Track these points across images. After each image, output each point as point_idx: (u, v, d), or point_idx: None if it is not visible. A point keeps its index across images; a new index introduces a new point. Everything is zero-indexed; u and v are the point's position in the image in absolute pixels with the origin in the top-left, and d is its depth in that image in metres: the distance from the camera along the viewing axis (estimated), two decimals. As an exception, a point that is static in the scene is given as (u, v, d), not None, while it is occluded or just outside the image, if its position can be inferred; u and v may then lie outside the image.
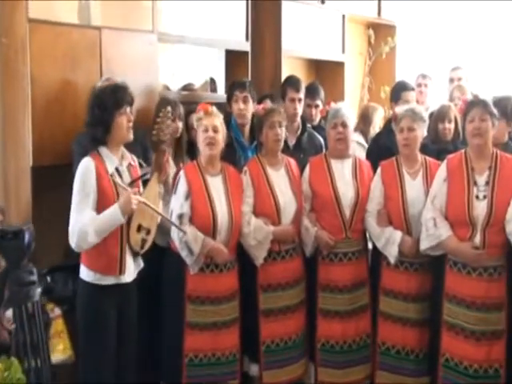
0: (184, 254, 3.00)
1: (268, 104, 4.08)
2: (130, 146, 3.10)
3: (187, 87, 4.36)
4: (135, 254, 2.77)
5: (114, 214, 2.58)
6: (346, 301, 3.29)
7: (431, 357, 3.16)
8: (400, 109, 3.38)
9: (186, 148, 3.55)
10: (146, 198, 2.71)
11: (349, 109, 3.50)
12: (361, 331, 3.32)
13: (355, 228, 3.31)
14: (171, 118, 2.89)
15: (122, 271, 2.68)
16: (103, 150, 2.71)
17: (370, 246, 3.44)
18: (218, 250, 3.04)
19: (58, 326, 2.90)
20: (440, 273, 3.11)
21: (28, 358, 2.39)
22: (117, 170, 2.71)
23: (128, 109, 2.71)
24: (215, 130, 3.10)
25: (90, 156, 2.68)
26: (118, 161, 2.74)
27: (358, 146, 4.26)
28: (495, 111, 3.09)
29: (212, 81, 4.67)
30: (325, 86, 5.19)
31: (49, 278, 3.12)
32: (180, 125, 3.45)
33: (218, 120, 3.14)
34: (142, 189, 2.79)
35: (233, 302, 3.13)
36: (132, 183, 2.75)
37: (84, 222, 2.57)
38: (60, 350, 2.85)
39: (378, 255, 3.32)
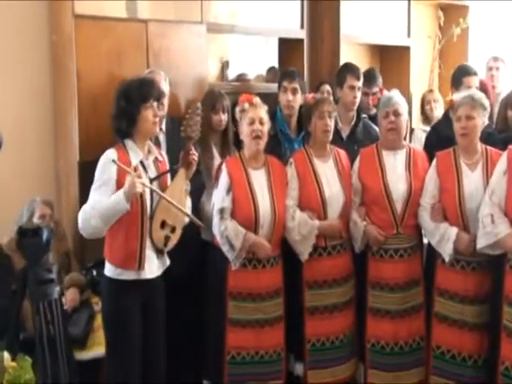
0: (225, 248, 2.93)
1: (325, 90, 3.98)
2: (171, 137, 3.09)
3: (241, 77, 4.28)
4: (159, 252, 2.72)
5: (117, 198, 2.50)
6: (398, 300, 3.10)
7: (491, 364, 2.92)
8: (458, 95, 3.12)
9: (233, 140, 3.48)
10: (170, 194, 2.66)
11: (402, 97, 3.28)
12: (413, 333, 3.13)
13: (407, 223, 3.11)
14: (201, 114, 2.81)
15: (141, 266, 2.63)
16: (128, 143, 2.68)
17: (425, 241, 3.23)
18: (260, 244, 2.95)
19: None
20: (500, 273, 2.86)
21: (45, 357, 2.40)
22: (141, 163, 2.67)
23: (155, 103, 2.67)
24: (261, 122, 3.00)
25: (114, 147, 2.66)
26: (144, 154, 2.70)
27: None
28: None
29: (272, 70, 4.56)
30: (389, 72, 5.03)
31: (94, 272, 3.17)
32: (225, 117, 3.37)
33: (263, 111, 3.04)
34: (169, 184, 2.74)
35: (276, 299, 3.03)
36: (157, 178, 2.71)
37: (89, 204, 2.55)
38: (102, 344, 2.86)
39: (432, 252, 3.11)
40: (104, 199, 2.53)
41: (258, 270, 2.99)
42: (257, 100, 3.04)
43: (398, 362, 3.12)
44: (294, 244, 3.07)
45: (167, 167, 2.80)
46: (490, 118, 3.50)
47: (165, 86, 3.26)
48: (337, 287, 3.12)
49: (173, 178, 2.77)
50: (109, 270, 2.68)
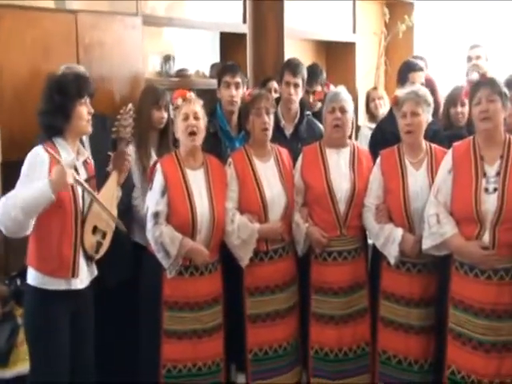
0: (160, 256, 2.76)
1: (272, 87, 3.83)
2: (99, 137, 2.90)
3: (180, 73, 4.10)
4: (89, 259, 2.54)
5: (42, 187, 2.28)
6: (342, 304, 3.00)
7: (437, 368, 2.84)
8: (401, 91, 3.03)
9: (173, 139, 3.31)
10: (101, 198, 2.51)
11: (348, 94, 3.17)
12: (358, 338, 3.03)
13: (351, 224, 3.00)
14: (133, 115, 2.66)
15: (74, 274, 2.45)
16: (59, 141, 2.49)
17: (370, 243, 3.13)
18: (198, 250, 2.78)
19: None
20: (445, 275, 2.78)
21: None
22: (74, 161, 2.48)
23: (88, 100, 2.50)
24: (196, 117, 2.84)
25: (44, 145, 2.45)
26: (75, 155, 2.51)
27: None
28: (506, 91, 2.72)
29: (216, 66, 4.40)
30: (335, 69, 4.98)
31: (19, 281, 2.93)
32: (165, 114, 3.20)
33: (198, 106, 2.88)
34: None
35: (215, 308, 2.88)
36: (88, 181, 2.53)
37: (10, 195, 2.33)
38: (27, 360, 2.64)
39: (377, 254, 3.01)
40: (26, 189, 2.31)
41: (195, 278, 2.82)
42: (191, 95, 2.89)
43: (343, 369, 3.02)
44: (233, 249, 2.92)
45: (94, 171, 2.62)
46: (434, 114, 3.44)
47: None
48: (279, 293, 2.99)
49: (101, 182, 2.59)
50: (34, 279, 2.46)
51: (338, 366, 3.01)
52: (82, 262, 2.49)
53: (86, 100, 2.50)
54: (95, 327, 2.63)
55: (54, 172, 2.30)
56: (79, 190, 2.46)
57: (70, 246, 2.44)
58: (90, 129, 2.55)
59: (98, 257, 2.57)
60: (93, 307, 2.60)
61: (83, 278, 2.52)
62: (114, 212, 2.61)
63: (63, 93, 2.44)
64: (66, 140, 2.49)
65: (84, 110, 2.48)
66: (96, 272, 2.62)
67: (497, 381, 2.64)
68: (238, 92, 3.34)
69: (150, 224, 2.76)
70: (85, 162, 2.57)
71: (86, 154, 2.60)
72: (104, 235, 2.55)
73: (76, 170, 2.48)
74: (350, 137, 3.25)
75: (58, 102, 2.44)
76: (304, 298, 3.06)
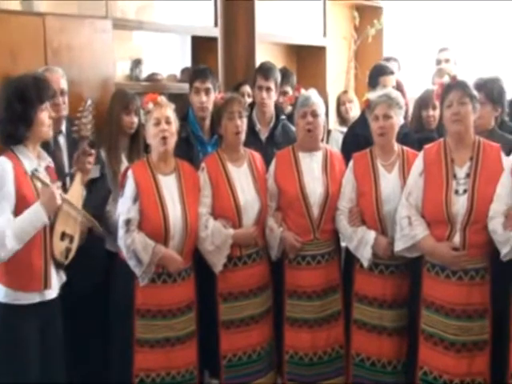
0: (132, 263, 2.71)
1: (245, 91, 3.82)
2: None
3: (151, 77, 4.06)
4: (58, 266, 2.49)
5: (36, 212, 2.29)
6: (316, 308, 3.00)
7: (410, 369, 2.86)
8: (374, 94, 3.05)
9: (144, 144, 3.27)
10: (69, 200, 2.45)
11: (319, 97, 3.18)
12: (332, 341, 3.03)
13: (325, 228, 3.01)
14: (93, 112, 2.60)
15: (47, 285, 2.40)
16: (19, 149, 2.43)
17: (343, 246, 3.14)
18: (171, 257, 2.75)
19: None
20: (417, 277, 2.81)
21: None
22: (36, 171, 2.42)
23: (48, 104, 2.46)
24: (168, 122, 2.81)
25: (5, 156, 2.39)
26: (37, 161, 2.46)
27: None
28: (476, 94, 2.77)
29: (187, 70, 4.37)
30: (306, 72, 4.98)
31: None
32: (135, 119, 3.16)
33: (170, 110, 2.85)
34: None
35: (188, 315, 2.84)
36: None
37: (1, 225, 2.29)
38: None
39: (351, 257, 3.02)
40: (17, 217, 2.30)
41: (168, 285, 2.78)
42: (162, 99, 2.85)
43: (317, 372, 3.02)
44: (206, 255, 2.89)
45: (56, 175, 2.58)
46: (405, 117, 3.47)
47: (64, 85, 3.01)
48: (253, 298, 2.97)
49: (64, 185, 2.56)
50: (5, 296, 2.39)
51: (313, 369, 3.01)
52: (52, 270, 2.45)
53: (47, 105, 2.45)
54: (64, 337, 2.58)
55: (43, 195, 2.30)
56: None
57: (40, 256, 2.39)
58: (51, 134, 2.51)
59: (67, 262, 2.52)
60: (62, 318, 2.54)
61: (54, 286, 2.48)
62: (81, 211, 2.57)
63: (24, 100, 2.38)
64: (26, 147, 2.43)
65: (45, 116, 2.44)
66: (64, 277, 2.57)
67: (468, 380, 2.67)
68: (208, 98, 3.31)
69: (121, 231, 2.72)
70: (47, 167, 2.52)
71: (48, 158, 2.55)
72: (71, 239, 2.51)
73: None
74: (322, 140, 3.27)
75: (18, 110, 2.38)
76: (278, 302, 3.06)
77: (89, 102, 2.64)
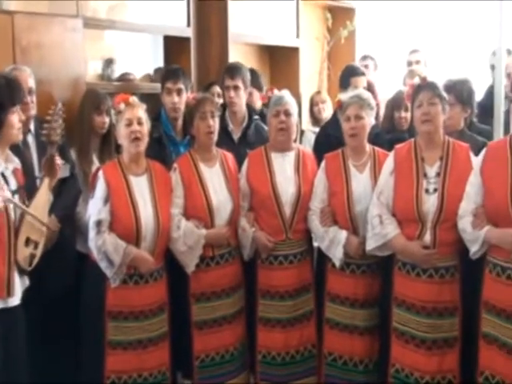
0: (103, 265, 2.69)
1: (215, 92, 3.81)
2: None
3: (123, 77, 4.03)
4: (21, 272, 2.45)
5: None
6: (288, 308, 3.00)
7: (382, 368, 2.88)
8: (345, 95, 3.07)
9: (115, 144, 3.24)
10: (35, 206, 2.42)
11: (292, 97, 3.19)
12: (305, 341, 3.04)
13: (297, 228, 3.02)
14: (63, 115, 2.57)
15: (10, 292, 2.35)
16: None
17: (315, 245, 3.15)
18: (142, 258, 2.73)
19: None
20: (389, 275, 2.83)
21: None
22: (2, 174, 2.39)
23: (19, 107, 2.43)
24: (140, 123, 2.79)
25: None
26: (4, 164, 2.42)
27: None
28: (445, 95, 2.82)
29: (160, 71, 4.35)
30: (279, 73, 4.99)
31: None
32: (107, 119, 3.13)
33: (142, 111, 2.83)
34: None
35: (161, 316, 2.82)
36: (17, 191, 2.44)
37: None
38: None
39: (323, 257, 3.03)
40: None
41: (140, 286, 2.76)
42: (133, 99, 2.83)
43: (290, 372, 3.03)
44: (179, 255, 2.88)
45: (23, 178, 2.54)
46: (376, 118, 3.50)
47: (32, 84, 2.96)
48: (226, 298, 2.97)
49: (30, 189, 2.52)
50: None
51: (286, 369, 3.01)
52: (16, 277, 2.40)
53: (18, 108, 2.42)
54: (33, 341, 2.53)
55: None
56: (11, 206, 2.37)
57: (4, 263, 2.33)
58: (20, 137, 2.48)
59: (30, 269, 2.47)
60: (25, 324, 2.49)
61: (17, 293, 2.42)
62: (45, 219, 2.53)
63: None
64: None
65: (15, 119, 2.40)
66: (28, 282, 2.52)
67: (438, 377, 2.71)
68: (180, 98, 3.30)
69: (92, 233, 2.69)
70: (15, 170, 2.48)
71: (16, 160, 2.51)
72: (36, 246, 2.47)
73: (6, 180, 2.40)
74: (295, 141, 3.27)
75: None
76: (251, 302, 3.05)
77: (59, 105, 2.62)
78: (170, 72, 3.42)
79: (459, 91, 3.14)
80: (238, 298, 3.02)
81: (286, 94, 3.18)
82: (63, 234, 2.77)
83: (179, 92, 3.31)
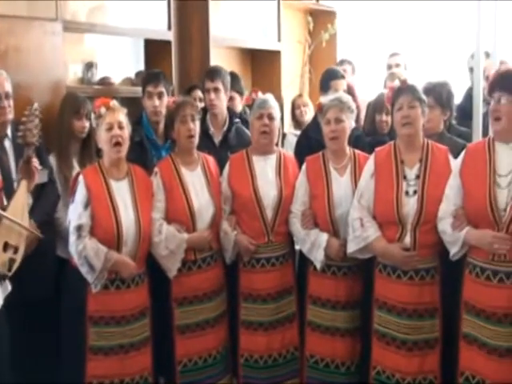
0: (84, 270, 2.67)
1: (197, 96, 3.80)
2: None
3: (104, 81, 4.01)
4: (1, 278, 2.43)
5: None
6: (271, 311, 3.01)
7: (363, 369, 2.90)
8: (325, 98, 3.09)
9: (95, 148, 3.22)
10: (13, 210, 2.40)
11: (275, 101, 3.20)
12: (287, 343, 3.05)
13: (278, 231, 3.02)
14: (39, 116, 2.54)
15: None
16: None
17: (297, 248, 3.16)
18: (124, 263, 2.72)
19: None
20: (370, 278, 2.85)
21: None
22: None
23: None
24: (121, 127, 2.78)
25: None
26: None
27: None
28: (425, 98, 2.84)
29: (141, 74, 4.33)
30: (261, 76, 4.99)
31: None
32: (87, 123, 3.12)
33: (122, 115, 2.82)
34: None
35: (142, 321, 2.81)
36: None
37: None
38: None
39: (304, 260, 3.04)
40: None
41: (121, 291, 2.75)
42: (114, 103, 2.82)
43: (272, 375, 3.03)
44: (160, 260, 2.87)
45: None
46: (357, 120, 3.52)
47: (8, 88, 2.94)
48: (208, 302, 2.96)
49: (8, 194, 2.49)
50: None
51: (268, 372, 3.02)
52: None
53: None
54: (12, 347, 2.51)
55: None
56: None
57: None
58: None
59: (10, 274, 2.45)
60: (7, 330, 2.47)
61: None
62: (26, 222, 2.51)
63: None
64: None
65: None
66: (10, 287, 2.50)
67: (419, 378, 2.73)
68: (161, 102, 3.29)
69: (72, 238, 2.67)
70: None
71: None
72: (16, 250, 2.45)
73: None
74: (277, 144, 3.28)
75: None
76: (233, 305, 3.06)
77: (35, 105, 2.59)
78: (151, 75, 3.42)
79: (438, 94, 3.17)
80: (220, 301, 3.02)
81: (270, 97, 3.19)
82: (43, 239, 2.75)
83: (160, 96, 3.30)
